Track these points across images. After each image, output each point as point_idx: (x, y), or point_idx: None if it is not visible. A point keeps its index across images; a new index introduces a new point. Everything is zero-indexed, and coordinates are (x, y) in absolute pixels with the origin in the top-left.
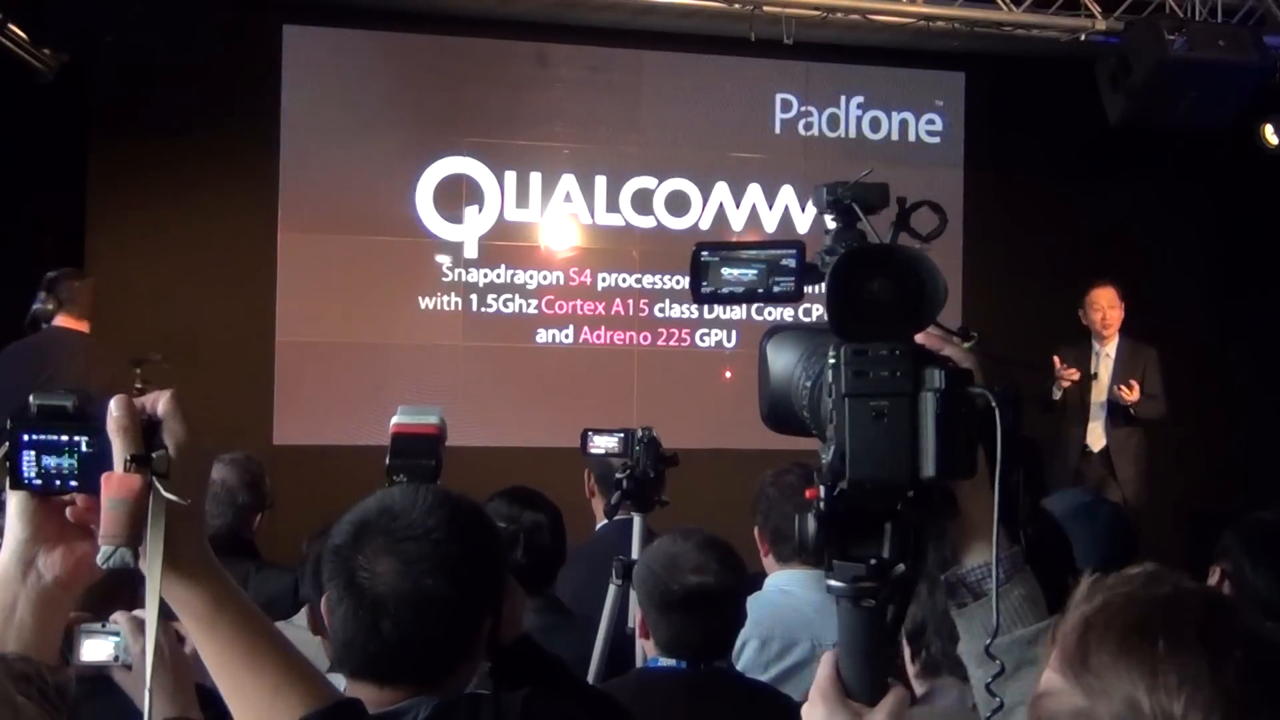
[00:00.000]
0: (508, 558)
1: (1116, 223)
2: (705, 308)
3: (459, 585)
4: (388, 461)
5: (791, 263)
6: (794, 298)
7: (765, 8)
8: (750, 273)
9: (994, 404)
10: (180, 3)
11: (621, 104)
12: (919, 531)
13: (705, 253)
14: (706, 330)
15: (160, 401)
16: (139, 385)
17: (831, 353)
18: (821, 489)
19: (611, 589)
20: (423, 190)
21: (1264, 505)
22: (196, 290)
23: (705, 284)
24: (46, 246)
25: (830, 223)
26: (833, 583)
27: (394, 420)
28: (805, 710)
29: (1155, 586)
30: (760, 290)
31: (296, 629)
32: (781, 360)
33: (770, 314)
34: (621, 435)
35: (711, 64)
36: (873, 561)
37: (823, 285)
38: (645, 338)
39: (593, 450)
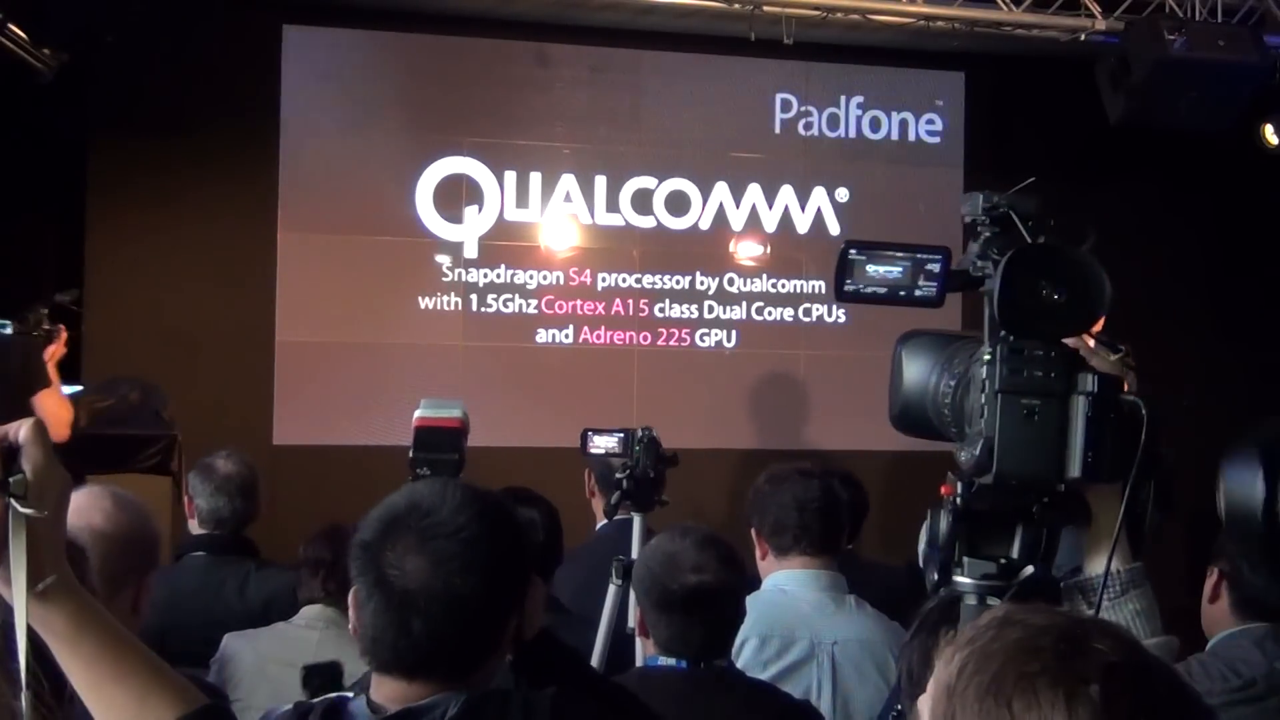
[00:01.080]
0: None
1: (1116, 223)
2: (705, 308)
3: (488, 583)
4: (410, 455)
5: (936, 267)
6: (935, 303)
7: (765, 8)
8: (896, 270)
9: (1144, 411)
10: (180, 3)
11: (621, 104)
12: (1050, 536)
13: (854, 251)
14: (706, 330)
15: (22, 429)
16: (46, 327)
17: (987, 349)
18: (958, 485)
19: (611, 589)
20: (423, 190)
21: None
22: (196, 290)
23: (849, 281)
24: (46, 247)
25: (982, 230)
26: (960, 579)
27: (417, 414)
28: (921, 701)
29: (1006, 633)
30: (903, 292)
31: (296, 628)
32: (917, 363)
33: (771, 314)
34: (621, 435)
35: (711, 64)
36: (1002, 561)
37: (970, 292)
38: (645, 338)
39: (593, 450)
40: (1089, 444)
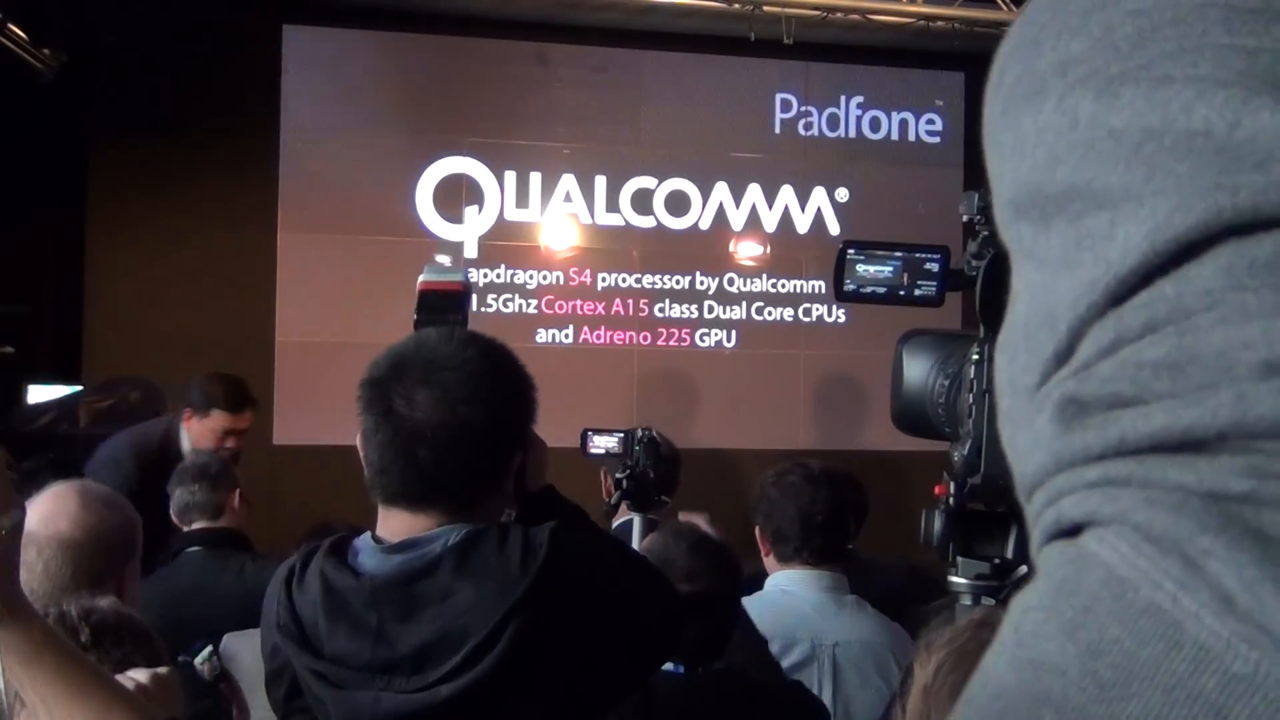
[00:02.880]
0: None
1: None
2: (705, 308)
3: (492, 414)
4: (415, 317)
5: (935, 267)
6: (935, 302)
7: (765, 8)
8: (887, 269)
9: None
10: (180, 3)
11: (621, 104)
12: None
13: (852, 251)
14: (706, 330)
15: None
16: None
17: (975, 349)
18: (951, 484)
19: None
20: (423, 190)
21: None
22: (196, 290)
23: (848, 281)
24: (46, 247)
25: (979, 229)
26: (954, 579)
27: (421, 278)
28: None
29: (983, 634)
30: (901, 292)
31: None
32: (917, 363)
33: (771, 314)
34: (621, 435)
35: (711, 64)
36: (996, 561)
37: (970, 291)
38: (645, 338)
39: (593, 450)
40: None
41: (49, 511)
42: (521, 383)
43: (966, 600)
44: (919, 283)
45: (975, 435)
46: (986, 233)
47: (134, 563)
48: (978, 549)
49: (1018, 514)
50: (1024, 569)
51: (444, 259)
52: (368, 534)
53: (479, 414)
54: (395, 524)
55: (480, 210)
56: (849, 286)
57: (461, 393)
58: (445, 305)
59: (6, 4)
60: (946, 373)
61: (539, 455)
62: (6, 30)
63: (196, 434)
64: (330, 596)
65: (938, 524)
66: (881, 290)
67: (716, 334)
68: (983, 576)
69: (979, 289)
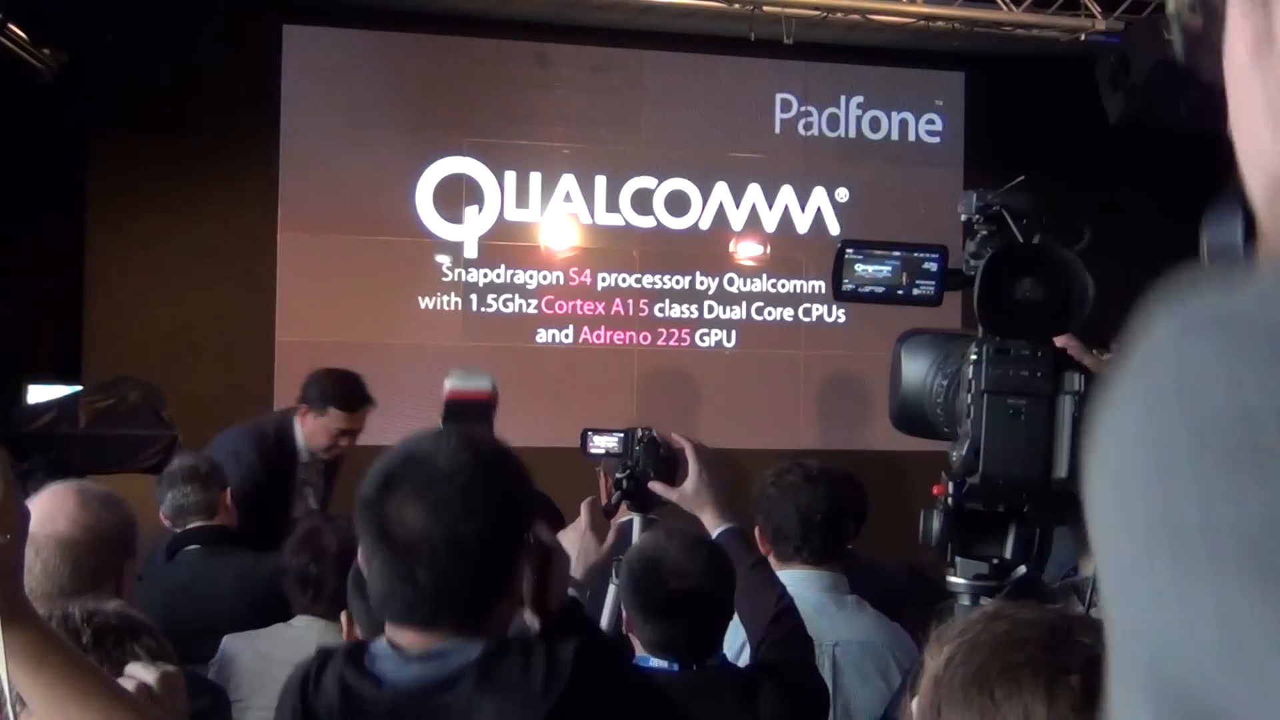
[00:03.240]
0: (538, 497)
1: (1116, 223)
2: (705, 308)
3: (489, 525)
4: (441, 425)
5: (934, 266)
6: (934, 301)
7: (765, 8)
8: (885, 269)
9: None
10: (180, 2)
11: (621, 104)
12: (1044, 535)
13: (850, 250)
14: (706, 330)
15: None
16: None
17: (974, 350)
18: (950, 484)
19: (611, 588)
20: (423, 190)
21: None
22: (196, 290)
23: (846, 281)
24: (46, 247)
25: (978, 228)
26: (953, 579)
27: (447, 384)
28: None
29: (994, 626)
30: (900, 291)
31: (295, 630)
32: (915, 362)
33: (771, 314)
34: (621, 435)
35: (711, 64)
36: (995, 561)
37: (969, 290)
38: (645, 338)
39: (593, 450)
40: (1076, 444)
41: (47, 511)
42: (521, 487)
43: (965, 600)
44: (917, 282)
45: (974, 435)
46: (985, 232)
47: (132, 561)
48: (976, 549)
49: (1016, 514)
50: (1022, 569)
51: (468, 370)
52: (384, 640)
53: (477, 529)
54: (407, 639)
55: (480, 210)
56: (847, 286)
57: (456, 509)
58: (473, 413)
59: (6, 4)
60: (945, 372)
61: (560, 569)
62: (6, 30)
63: (310, 431)
64: (349, 703)
65: (936, 524)
66: (880, 290)
67: (716, 334)
68: (981, 576)
69: (977, 289)
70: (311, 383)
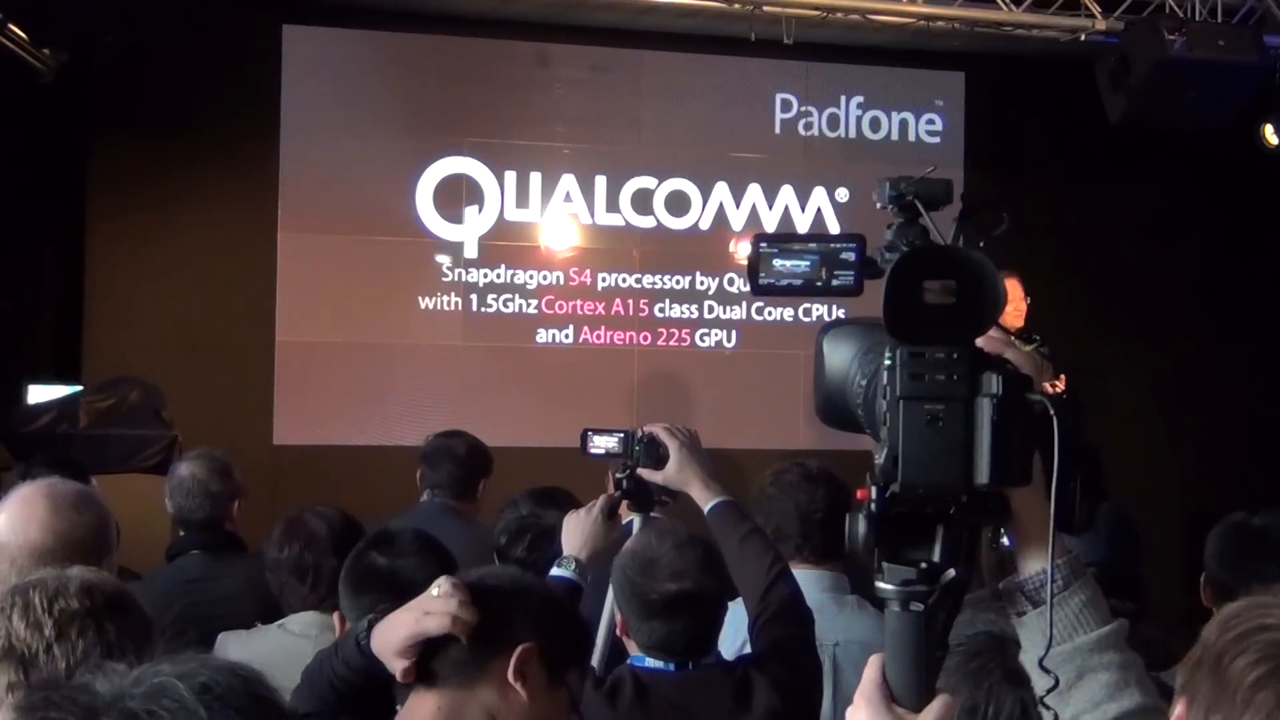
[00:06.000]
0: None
1: (1116, 223)
2: (705, 308)
3: None
4: None
5: (852, 256)
6: (854, 291)
7: (765, 8)
8: (804, 264)
9: (1052, 411)
10: (180, 2)
11: (621, 104)
12: (971, 537)
13: (765, 244)
14: (706, 330)
15: None
16: None
17: (888, 354)
18: (873, 490)
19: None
20: (423, 190)
21: (1263, 505)
22: (196, 290)
23: (763, 276)
24: (47, 247)
25: (892, 218)
26: (882, 585)
27: None
28: (849, 713)
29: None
30: (819, 283)
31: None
32: (838, 356)
33: (771, 314)
34: (621, 435)
35: (711, 64)
36: (923, 565)
37: (882, 282)
38: (645, 338)
39: (593, 450)
40: (995, 448)
41: (18, 519)
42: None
43: (895, 608)
44: (836, 273)
45: (890, 443)
46: (900, 221)
47: (110, 559)
48: (903, 554)
49: (943, 516)
50: (951, 572)
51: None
52: None
53: None
54: None
55: (480, 210)
56: (764, 280)
57: None
58: None
59: (6, 4)
60: (865, 372)
61: None
62: (6, 30)
63: None
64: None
65: (861, 529)
66: (798, 283)
67: (716, 334)
68: (909, 582)
69: (884, 296)
70: None
